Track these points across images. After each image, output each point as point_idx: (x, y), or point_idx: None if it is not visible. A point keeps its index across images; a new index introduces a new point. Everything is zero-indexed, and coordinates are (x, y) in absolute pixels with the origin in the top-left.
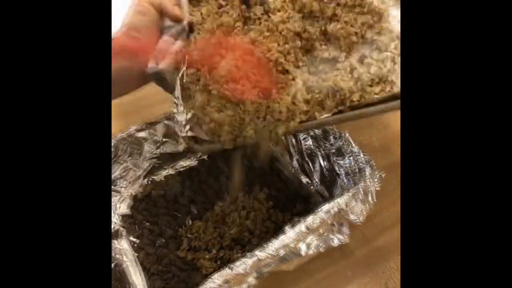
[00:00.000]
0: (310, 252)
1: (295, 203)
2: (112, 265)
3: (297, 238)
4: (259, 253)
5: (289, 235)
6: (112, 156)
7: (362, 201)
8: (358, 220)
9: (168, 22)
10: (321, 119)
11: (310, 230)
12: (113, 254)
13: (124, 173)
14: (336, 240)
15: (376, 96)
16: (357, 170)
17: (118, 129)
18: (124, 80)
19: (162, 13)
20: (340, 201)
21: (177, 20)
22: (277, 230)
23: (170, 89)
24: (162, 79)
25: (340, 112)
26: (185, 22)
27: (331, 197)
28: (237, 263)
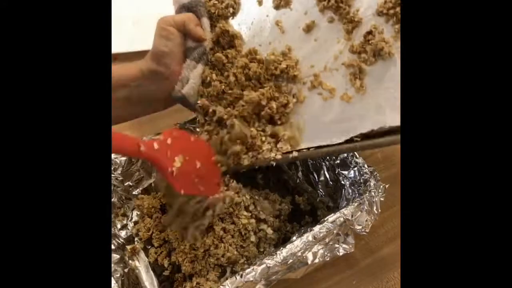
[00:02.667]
0: (317, 261)
1: (304, 214)
2: (126, 270)
3: (304, 247)
4: (268, 261)
5: (297, 244)
6: (125, 165)
7: (367, 212)
8: (363, 231)
9: (190, 43)
10: (346, 145)
11: (316, 239)
12: (126, 260)
13: (137, 182)
14: (341, 249)
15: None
16: (361, 181)
17: None
18: (152, 101)
19: (185, 34)
20: (345, 212)
21: (200, 40)
22: (285, 240)
23: (194, 109)
24: (186, 102)
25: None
26: (206, 43)
27: (336, 207)
28: (247, 271)
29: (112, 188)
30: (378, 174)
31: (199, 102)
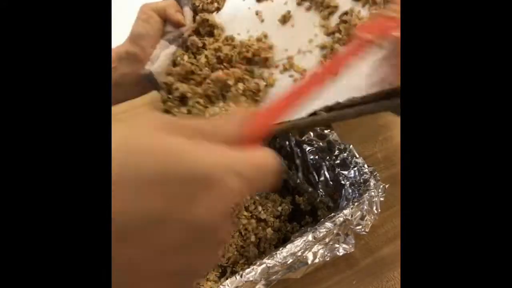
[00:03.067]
0: (317, 260)
1: (304, 214)
2: None
3: (304, 247)
4: (268, 261)
5: (297, 244)
6: None
7: (367, 212)
8: (363, 231)
9: (169, 28)
10: (309, 118)
11: (316, 239)
12: None
13: None
14: (341, 249)
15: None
16: (361, 181)
17: None
18: (128, 85)
19: (165, 19)
20: (345, 212)
21: (179, 26)
22: (286, 240)
23: (158, 87)
24: (152, 79)
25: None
26: (184, 29)
27: (336, 208)
28: (247, 271)
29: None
30: (378, 174)
31: (166, 79)
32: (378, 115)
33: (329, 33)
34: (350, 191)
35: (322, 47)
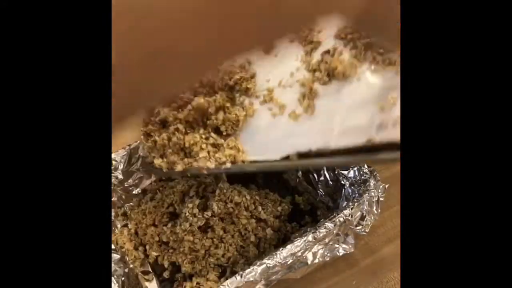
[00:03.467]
0: (316, 261)
1: (304, 214)
2: (126, 270)
3: (304, 247)
4: (268, 261)
5: (297, 244)
6: (125, 164)
7: (367, 212)
8: (363, 231)
9: None
10: (283, 162)
11: (316, 239)
12: (126, 259)
13: (137, 181)
14: (341, 249)
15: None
16: (361, 181)
17: (133, 139)
18: None
19: None
20: (345, 212)
21: None
22: (285, 240)
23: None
24: None
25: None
26: None
27: (336, 208)
28: (247, 271)
29: (112, 187)
30: (378, 174)
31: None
32: None
33: (310, 70)
34: (350, 191)
35: (302, 84)
